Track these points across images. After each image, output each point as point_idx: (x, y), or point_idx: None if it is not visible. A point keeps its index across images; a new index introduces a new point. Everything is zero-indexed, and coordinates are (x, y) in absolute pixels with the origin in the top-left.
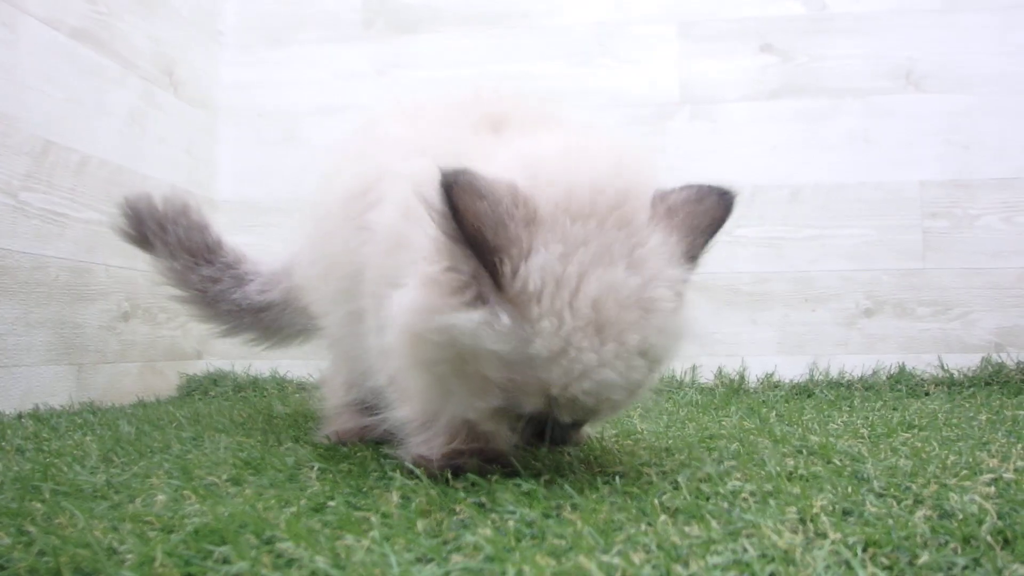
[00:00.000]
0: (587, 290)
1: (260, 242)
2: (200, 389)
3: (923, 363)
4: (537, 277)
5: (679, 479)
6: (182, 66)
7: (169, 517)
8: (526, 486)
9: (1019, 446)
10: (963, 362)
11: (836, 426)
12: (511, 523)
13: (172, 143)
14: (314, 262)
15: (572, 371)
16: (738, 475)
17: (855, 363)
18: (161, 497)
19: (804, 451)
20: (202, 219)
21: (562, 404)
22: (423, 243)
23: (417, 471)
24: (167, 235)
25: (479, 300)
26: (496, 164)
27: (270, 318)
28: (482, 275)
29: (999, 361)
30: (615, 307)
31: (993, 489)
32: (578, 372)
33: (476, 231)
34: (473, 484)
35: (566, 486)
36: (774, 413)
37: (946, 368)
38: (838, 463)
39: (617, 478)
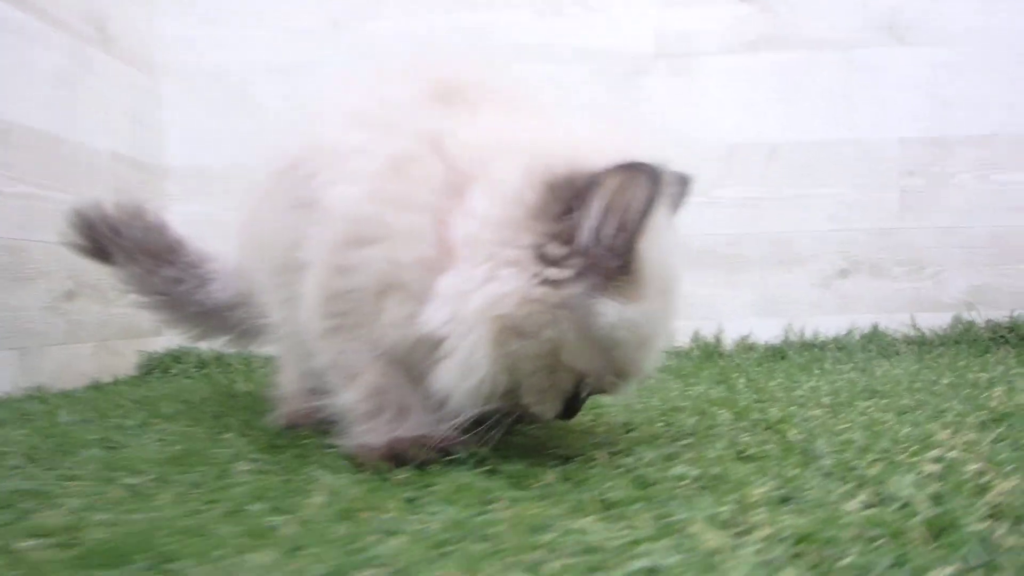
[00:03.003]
0: (672, 273)
1: (215, 211)
2: (161, 367)
3: (896, 322)
4: (650, 260)
5: (628, 462)
6: (115, 21)
7: (72, 530)
8: (464, 478)
9: (972, 416)
10: (935, 321)
11: (802, 393)
12: (435, 524)
13: (110, 107)
14: (246, 244)
15: (657, 349)
16: (689, 456)
17: (829, 324)
18: (71, 504)
19: (762, 425)
20: (159, 220)
21: (627, 378)
22: (418, 228)
23: (355, 461)
24: (122, 239)
25: (586, 288)
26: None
27: (237, 316)
28: (592, 260)
29: (969, 320)
30: (676, 286)
31: (938, 467)
32: (660, 349)
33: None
34: (410, 477)
35: (506, 477)
36: (744, 379)
37: (918, 327)
38: (792, 438)
39: (564, 464)
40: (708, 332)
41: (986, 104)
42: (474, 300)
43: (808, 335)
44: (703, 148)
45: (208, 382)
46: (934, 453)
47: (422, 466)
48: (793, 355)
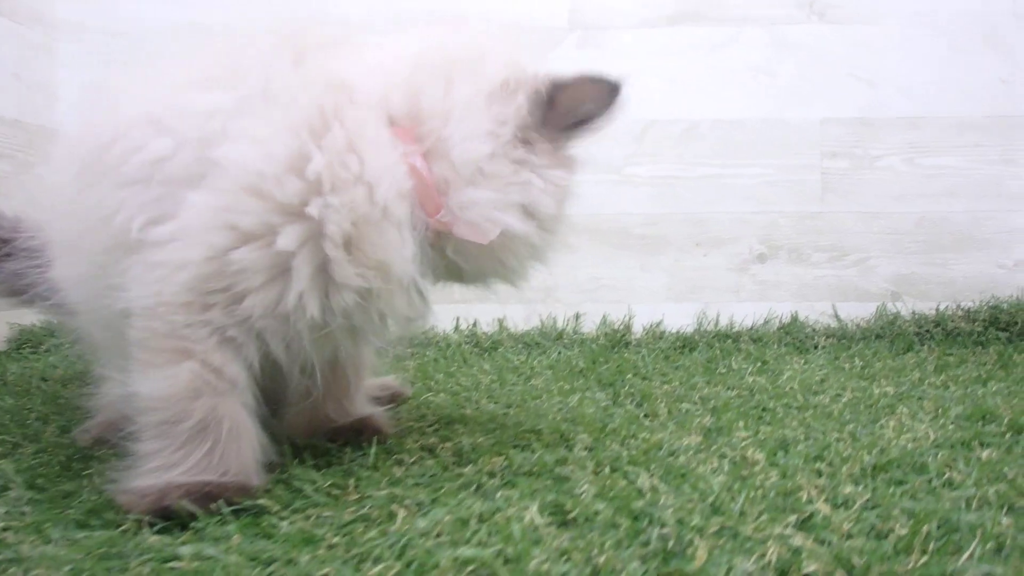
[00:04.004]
0: None
1: None
2: (33, 342)
3: (816, 312)
4: None
5: (420, 529)
6: None
7: None
8: (214, 549)
9: (854, 459)
10: (858, 311)
11: (689, 407)
12: None
13: None
14: (55, 231)
15: None
16: (498, 519)
17: (746, 311)
18: None
19: (614, 466)
20: None
21: None
22: (390, 164)
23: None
24: None
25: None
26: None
27: None
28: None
29: (894, 311)
30: None
31: (780, 554)
32: None
33: None
34: (161, 541)
35: (278, 542)
36: (637, 380)
37: (840, 318)
38: (641, 485)
39: (354, 526)
40: (617, 317)
41: (913, 85)
42: (547, 199)
43: (723, 323)
44: (617, 124)
45: (71, 363)
46: (784, 530)
47: (192, 517)
48: (704, 347)
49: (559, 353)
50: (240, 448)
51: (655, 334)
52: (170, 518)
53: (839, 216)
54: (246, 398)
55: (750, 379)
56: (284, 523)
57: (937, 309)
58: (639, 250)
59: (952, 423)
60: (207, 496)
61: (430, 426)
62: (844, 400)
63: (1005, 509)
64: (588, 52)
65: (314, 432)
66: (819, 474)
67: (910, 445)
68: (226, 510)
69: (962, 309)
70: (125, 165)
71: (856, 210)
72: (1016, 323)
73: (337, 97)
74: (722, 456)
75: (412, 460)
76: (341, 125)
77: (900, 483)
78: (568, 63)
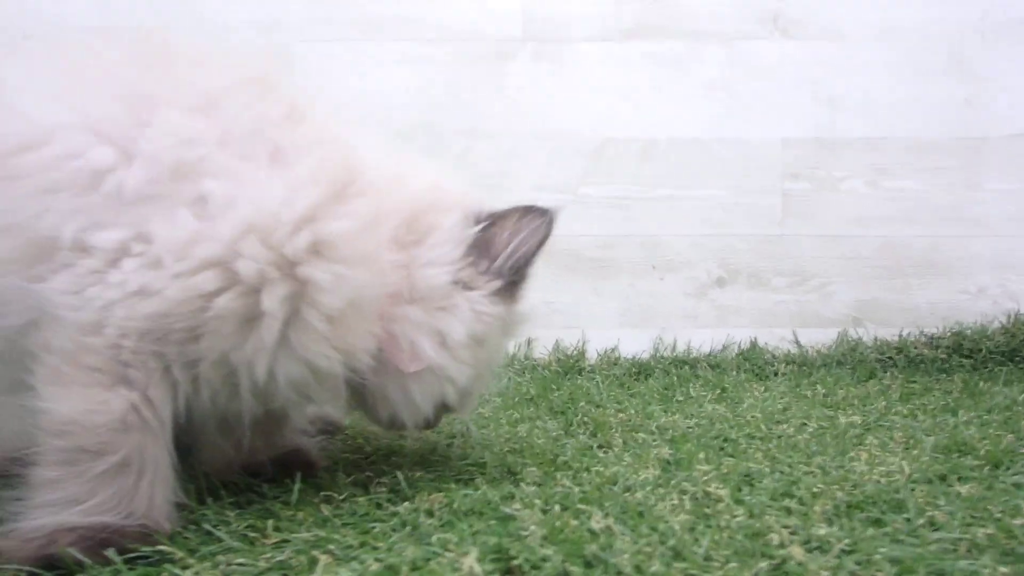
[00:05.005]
0: None
1: None
2: None
3: (776, 338)
4: None
5: None
6: None
7: None
8: None
9: (819, 503)
10: (819, 337)
11: (646, 436)
12: None
13: None
14: None
15: None
16: None
17: (704, 337)
18: None
19: (565, 503)
20: None
21: None
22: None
23: None
24: None
25: (508, 297)
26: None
27: None
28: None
29: (856, 337)
30: None
31: None
32: None
33: None
34: None
35: None
36: (591, 408)
37: (800, 344)
38: (592, 530)
39: None
40: (570, 342)
41: (876, 104)
42: (460, 326)
43: (680, 349)
44: (572, 141)
45: None
46: None
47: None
48: (660, 373)
49: (508, 379)
50: (154, 493)
51: (610, 360)
52: (55, 567)
53: (800, 240)
54: (169, 438)
55: (709, 407)
56: (188, 572)
57: (900, 335)
58: (592, 273)
59: (927, 455)
60: (102, 543)
61: (365, 459)
62: (809, 430)
63: (999, 555)
64: (543, 65)
65: (237, 466)
66: (788, 512)
67: (884, 480)
68: (119, 560)
69: (925, 335)
70: (54, 171)
71: (817, 233)
72: (980, 350)
73: (359, 171)
74: (682, 492)
75: (342, 497)
76: (367, 199)
77: (878, 523)
78: (522, 76)
